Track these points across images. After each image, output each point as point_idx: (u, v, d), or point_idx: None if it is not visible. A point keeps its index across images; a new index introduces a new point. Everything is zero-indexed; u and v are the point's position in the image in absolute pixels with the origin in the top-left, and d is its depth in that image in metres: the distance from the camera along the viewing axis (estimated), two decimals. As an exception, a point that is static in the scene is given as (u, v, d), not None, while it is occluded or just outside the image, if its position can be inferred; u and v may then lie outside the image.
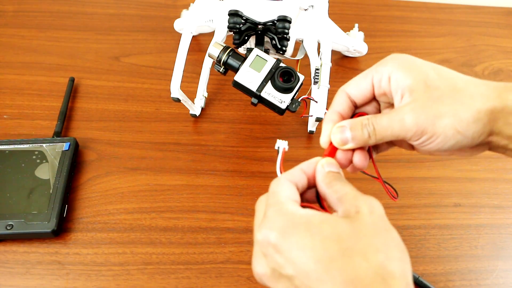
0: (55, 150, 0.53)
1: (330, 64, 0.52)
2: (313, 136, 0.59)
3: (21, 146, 0.53)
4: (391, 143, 0.36)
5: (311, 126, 0.58)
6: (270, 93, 0.47)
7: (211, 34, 0.54)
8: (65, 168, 0.51)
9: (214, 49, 0.49)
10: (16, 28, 0.69)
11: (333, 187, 0.30)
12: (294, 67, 0.49)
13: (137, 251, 0.48)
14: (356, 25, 0.67)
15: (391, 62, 0.33)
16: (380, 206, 0.28)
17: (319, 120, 0.51)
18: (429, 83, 0.31)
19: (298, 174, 0.32)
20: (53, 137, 0.55)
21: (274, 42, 0.51)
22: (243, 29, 0.50)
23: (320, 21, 0.54)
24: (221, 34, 0.53)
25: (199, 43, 0.69)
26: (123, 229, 0.50)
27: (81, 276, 0.46)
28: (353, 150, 0.34)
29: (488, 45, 0.74)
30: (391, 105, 0.34)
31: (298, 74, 0.47)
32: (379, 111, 0.35)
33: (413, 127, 0.30)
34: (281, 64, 0.48)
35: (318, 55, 0.53)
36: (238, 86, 0.48)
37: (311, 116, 0.53)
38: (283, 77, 0.47)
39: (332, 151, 0.34)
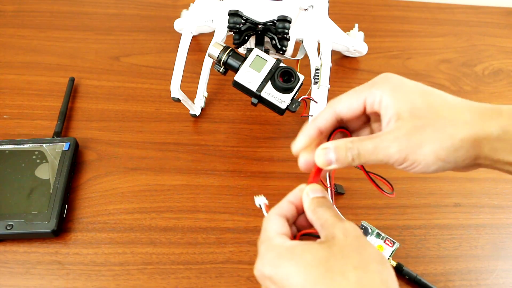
0: (55, 150, 0.53)
1: (330, 64, 0.52)
2: (313, 136, 0.59)
3: (21, 146, 0.53)
4: None
5: (311, 126, 0.58)
6: (270, 93, 0.47)
7: (211, 34, 0.54)
8: (65, 168, 0.51)
9: (214, 49, 0.49)
10: (16, 28, 0.69)
11: (316, 214, 0.33)
12: (294, 67, 0.49)
13: (137, 251, 0.48)
14: (356, 25, 0.67)
15: (383, 85, 0.33)
16: (354, 228, 0.31)
17: (319, 120, 0.51)
18: (415, 112, 0.32)
19: (286, 206, 0.35)
20: (53, 137, 0.55)
21: (274, 42, 0.51)
22: (243, 29, 0.50)
23: (320, 21, 0.54)
24: (221, 34, 0.53)
25: (199, 43, 0.69)
26: (123, 229, 0.50)
27: (81, 276, 0.46)
28: None
29: (488, 45, 0.74)
30: (379, 119, 0.34)
31: (298, 74, 0.47)
32: (364, 124, 0.36)
33: (395, 155, 0.32)
34: (281, 64, 0.48)
35: (318, 55, 0.53)
36: (238, 86, 0.48)
37: (311, 115, 0.53)
38: (283, 77, 0.47)
39: (317, 172, 0.36)
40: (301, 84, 0.47)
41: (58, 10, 0.72)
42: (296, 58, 0.56)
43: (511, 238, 0.51)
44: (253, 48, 0.49)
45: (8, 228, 0.47)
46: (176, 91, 0.52)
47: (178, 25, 0.69)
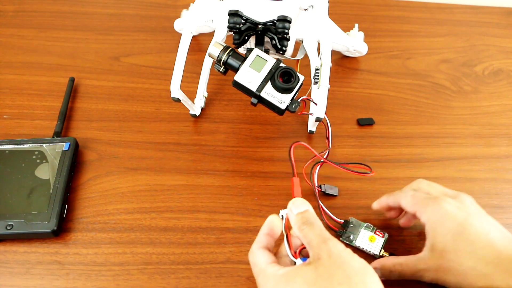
0: (55, 150, 0.53)
1: (330, 64, 0.52)
2: (313, 136, 0.59)
3: (21, 146, 0.53)
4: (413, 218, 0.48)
5: (311, 126, 0.58)
6: (269, 93, 0.47)
7: (211, 34, 0.54)
8: (65, 168, 0.51)
9: (214, 48, 0.49)
10: (16, 28, 0.69)
11: (302, 232, 0.37)
12: (294, 67, 0.49)
13: (137, 251, 0.48)
14: (356, 25, 0.67)
15: (431, 213, 0.42)
16: (337, 246, 0.35)
17: (319, 120, 0.51)
18: (445, 254, 0.40)
19: (264, 239, 0.40)
20: (53, 137, 0.55)
21: (274, 42, 0.51)
22: (243, 29, 0.50)
23: (320, 21, 0.54)
24: (221, 34, 0.53)
25: (199, 43, 0.69)
26: (123, 229, 0.50)
27: (81, 276, 0.46)
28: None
29: (488, 45, 0.74)
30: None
31: (298, 74, 0.47)
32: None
33: (427, 279, 0.42)
34: (281, 64, 0.48)
35: (318, 55, 0.53)
36: (238, 86, 0.48)
37: (311, 114, 0.53)
38: (283, 77, 0.47)
39: (296, 189, 0.42)
40: (301, 84, 0.48)
41: (58, 10, 0.72)
42: (296, 58, 0.56)
43: (511, 238, 0.51)
44: (253, 48, 0.49)
45: (8, 228, 0.47)
46: (176, 91, 0.52)
47: (178, 25, 0.69)
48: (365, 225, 0.48)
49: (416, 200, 0.43)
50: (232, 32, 0.51)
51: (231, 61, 0.48)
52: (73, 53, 0.67)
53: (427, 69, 0.69)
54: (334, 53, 0.67)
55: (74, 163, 0.54)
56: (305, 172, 0.51)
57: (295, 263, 0.38)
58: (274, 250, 0.41)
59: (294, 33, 0.52)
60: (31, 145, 0.53)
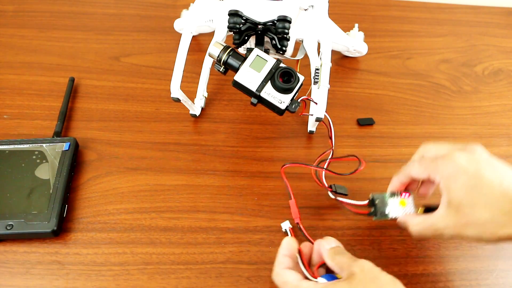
0: (55, 150, 0.53)
1: (330, 64, 0.52)
2: (313, 136, 0.59)
3: (21, 146, 0.53)
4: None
5: (311, 126, 0.58)
6: (269, 93, 0.47)
7: (211, 34, 0.54)
8: (65, 168, 0.51)
9: (215, 48, 0.49)
10: (16, 28, 0.69)
11: (335, 260, 0.41)
12: (294, 67, 0.49)
13: (137, 251, 0.48)
14: (356, 25, 0.67)
15: (442, 170, 0.41)
16: (368, 263, 0.39)
17: (319, 120, 0.51)
18: (461, 210, 0.40)
19: (284, 260, 0.43)
20: (53, 137, 0.55)
21: (274, 42, 0.51)
22: (243, 29, 0.50)
23: (320, 21, 0.54)
24: (221, 34, 0.53)
25: (199, 43, 0.69)
26: (123, 229, 0.50)
27: (81, 276, 0.46)
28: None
29: (488, 45, 0.74)
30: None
31: (298, 74, 0.47)
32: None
33: (447, 236, 0.41)
34: (281, 65, 0.48)
35: (318, 55, 0.53)
36: (238, 86, 0.48)
37: (311, 115, 0.53)
38: (283, 78, 0.47)
39: (293, 210, 0.50)
40: (301, 84, 0.48)
41: (58, 10, 0.72)
42: (296, 58, 0.56)
43: (511, 238, 0.51)
44: (253, 48, 0.49)
45: (8, 228, 0.47)
46: (176, 91, 0.52)
47: (178, 25, 0.69)
48: (388, 195, 0.47)
49: (425, 164, 0.43)
50: (232, 32, 0.51)
51: (231, 61, 0.48)
52: (73, 53, 0.67)
53: (427, 69, 0.69)
54: (334, 53, 0.67)
55: (74, 163, 0.54)
56: (313, 172, 0.50)
57: None
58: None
59: (294, 33, 0.52)
60: (31, 145, 0.53)
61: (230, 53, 0.48)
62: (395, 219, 0.46)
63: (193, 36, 0.55)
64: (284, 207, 0.52)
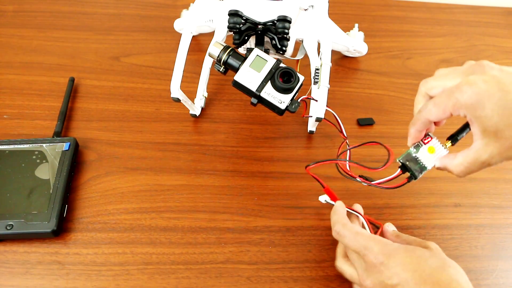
0: (55, 150, 0.53)
1: (330, 64, 0.52)
2: (313, 136, 0.59)
3: (21, 146, 0.53)
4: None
5: (311, 126, 0.58)
6: (269, 93, 0.47)
7: (211, 34, 0.54)
8: (65, 168, 0.51)
9: (215, 48, 0.49)
10: (16, 28, 0.69)
11: (400, 238, 0.46)
12: (294, 67, 0.49)
13: (137, 251, 0.48)
14: (356, 25, 0.67)
15: (463, 102, 0.38)
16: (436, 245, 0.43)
17: (319, 120, 0.51)
18: (500, 135, 0.37)
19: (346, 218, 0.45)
20: (53, 137, 0.55)
21: (274, 42, 0.51)
22: (243, 29, 0.50)
23: (320, 21, 0.54)
24: (221, 34, 0.53)
25: (199, 43, 0.69)
26: (123, 229, 0.50)
27: (81, 276, 0.46)
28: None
29: (488, 45, 0.74)
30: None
31: (298, 74, 0.47)
32: None
33: (496, 164, 0.39)
34: (281, 65, 0.48)
35: (318, 55, 0.53)
36: (238, 86, 0.48)
37: (311, 116, 0.53)
38: (283, 78, 0.47)
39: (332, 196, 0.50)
40: (301, 84, 0.48)
41: (58, 10, 0.72)
42: (296, 58, 0.56)
43: (511, 238, 0.51)
44: (253, 48, 0.49)
45: (8, 228, 0.47)
46: (176, 91, 0.52)
47: (178, 25, 0.69)
48: (412, 150, 0.43)
49: (442, 104, 0.39)
50: (232, 32, 0.51)
51: (231, 61, 0.48)
52: (73, 53, 0.67)
53: (427, 69, 0.69)
54: (334, 53, 0.67)
55: (74, 163, 0.54)
56: (341, 165, 0.48)
57: None
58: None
59: (294, 33, 0.52)
60: (31, 145, 0.53)
61: (230, 53, 0.48)
62: (433, 168, 0.43)
63: (193, 36, 0.55)
64: (284, 207, 0.52)
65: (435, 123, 0.44)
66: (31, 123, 0.58)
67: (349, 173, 0.47)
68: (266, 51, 0.50)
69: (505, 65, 0.40)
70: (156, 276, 0.46)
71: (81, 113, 0.60)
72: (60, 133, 0.56)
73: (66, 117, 0.58)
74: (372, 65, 0.69)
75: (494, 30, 0.77)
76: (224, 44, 0.49)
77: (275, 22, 0.49)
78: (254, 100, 0.48)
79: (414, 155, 0.43)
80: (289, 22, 0.48)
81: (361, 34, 0.67)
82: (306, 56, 0.54)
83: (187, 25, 0.54)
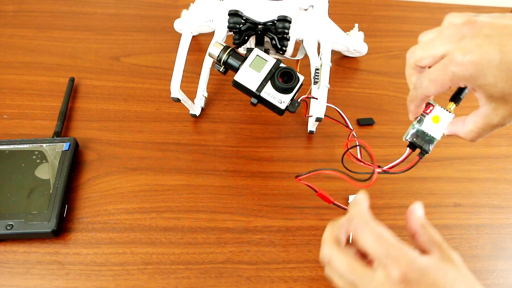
0: (55, 150, 0.53)
1: (330, 64, 0.52)
2: (313, 136, 0.59)
3: (21, 146, 0.53)
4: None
5: (311, 126, 0.58)
6: (269, 93, 0.47)
7: (211, 34, 0.54)
8: (65, 168, 0.51)
9: (215, 48, 0.49)
10: (16, 28, 0.69)
11: (426, 231, 0.36)
12: (294, 67, 0.49)
13: (137, 251, 0.48)
14: (356, 25, 0.67)
15: (463, 72, 0.34)
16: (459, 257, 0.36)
17: (319, 120, 0.51)
18: (509, 98, 0.34)
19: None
20: (53, 137, 0.55)
21: (274, 42, 0.51)
22: (243, 29, 0.50)
23: (320, 21, 0.54)
24: (221, 34, 0.53)
25: (199, 43, 0.69)
26: (123, 229, 0.50)
27: (81, 276, 0.46)
28: None
29: (488, 45, 0.74)
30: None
31: (298, 74, 0.47)
32: None
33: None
34: (281, 65, 0.48)
35: (318, 55, 0.53)
36: (238, 86, 0.48)
37: (311, 116, 0.53)
38: (283, 78, 0.47)
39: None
40: (301, 84, 0.48)
41: (58, 10, 0.72)
42: (296, 58, 0.56)
43: (511, 238, 0.51)
44: (253, 48, 0.49)
45: (8, 228, 0.47)
46: (176, 91, 0.52)
47: (178, 25, 0.69)
48: (416, 124, 0.41)
49: (440, 79, 0.35)
50: (232, 32, 0.51)
51: (231, 61, 0.48)
52: (73, 53, 0.67)
53: (427, 69, 0.69)
54: (334, 53, 0.67)
55: (74, 163, 0.54)
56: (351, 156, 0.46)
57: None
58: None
59: (294, 33, 0.52)
60: (31, 145, 0.53)
61: (230, 53, 0.48)
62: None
63: (193, 36, 0.55)
64: (284, 207, 0.52)
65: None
66: (31, 123, 0.58)
67: (362, 160, 0.45)
68: (266, 51, 0.50)
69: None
70: (156, 276, 0.46)
71: (81, 113, 0.60)
72: (60, 133, 0.56)
73: (66, 117, 0.58)
74: (372, 65, 0.69)
75: (494, 30, 0.77)
76: (224, 44, 0.49)
77: (275, 22, 0.49)
78: (254, 100, 0.48)
79: (420, 128, 0.40)
80: (289, 22, 0.48)
81: (361, 34, 0.67)
82: (306, 56, 0.54)
83: (187, 25, 0.54)
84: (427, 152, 0.40)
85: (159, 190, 0.53)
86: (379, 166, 0.43)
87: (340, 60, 0.70)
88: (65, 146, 0.53)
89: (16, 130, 0.57)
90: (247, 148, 0.57)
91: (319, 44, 0.53)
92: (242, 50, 0.54)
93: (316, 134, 0.59)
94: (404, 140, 0.41)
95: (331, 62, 0.52)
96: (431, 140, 0.40)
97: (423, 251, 0.37)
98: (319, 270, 0.48)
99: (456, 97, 0.40)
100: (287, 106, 0.47)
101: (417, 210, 0.39)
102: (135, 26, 0.71)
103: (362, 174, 0.42)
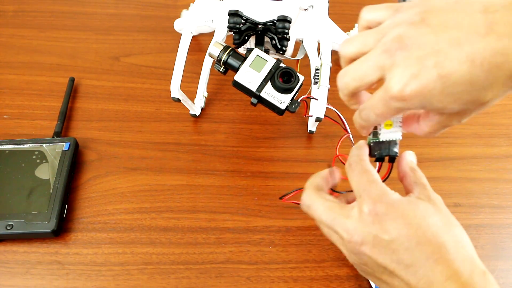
0: (55, 150, 0.53)
1: (330, 64, 0.52)
2: (313, 136, 0.59)
3: (21, 146, 0.53)
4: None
5: (311, 126, 0.58)
6: (269, 93, 0.47)
7: (211, 34, 0.54)
8: (65, 168, 0.51)
9: (215, 48, 0.49)
10: (16, 28, 0.69)
11: (415, 174, 0.38)
12: (294, 67, 0.49)
13: (137, 251, 0.48)
14: (356, 25, 0.67)
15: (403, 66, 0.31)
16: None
17: (319, 120, 0.51)
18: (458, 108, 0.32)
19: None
20: (53, 137, 0.55)
21: (274, 42, 0.51)
22: (243, 29, 0.50)
23: (320, 21, 0.54)
24: (221, 34, 0.53)
25: (199, 43, 0.69)
26: (123, 229, 0.50)
27: (81, 276, 0.46)
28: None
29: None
30: None
31: (298, 74, 0.47)
32: None
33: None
34: (281, 65, 0.48)
35: (318, 55, 0.53)
36: (238, 86, 0.48)
37: (311, 116, 0.53)
38: (283, 78, 0.47)
39: None
40: (301, 84, 0.48)
41: (58, 10, 0.72)
42: (296, 58, 0.56)
43: (511, 238, 0.51)
44: (253, 48, 0.49)
45: (8, 228, 0.47)
46: (176, 91, 0.52)
47: (178, 25, 0.69)
48: (372, 139, 0.39)
49: (383, 114, 0.33)
50: (232, 32, 0.51)
51: (231, 61, 0.48)
52: (73, 53, 0.67)
53: (427, 69, 0.69)
54: (334, 53, 0.67)
55: (74, 163, 0.54)
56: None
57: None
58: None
59: (294, 33, 0.52)
60: (31, 145, 0.53)
61: (230, 53, 0.48)
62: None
63: (193, 36, 0.55)
64: (284, 207, 0.52)
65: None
66: (31, 123, 0.58)
67: (345, 178, 0.43)
68: (266, 51, 0.50)
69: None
70: (156, 276, 0.46)
71: (81, 113, 0.60)
72: (60, 133, 0.56)
73: (66, 117, 0.58)
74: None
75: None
76: (224, 44, 0.49)
77: (275, 22, 0.49)
78: (254, 100, 0.48)
79: (378, 140, 0.38)
80: (289, 22, 0.48)
81: (361, 34, 0.67)
82: (306, 56, 0.54)
83: (187, 25, 0.54)
84: (396, 155, 0.39)
85: (159, 190, 0.53)
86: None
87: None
88: (65, 146, 0.53)
89: (16, 130, 0.57)
90: (247, 148, 0.57)
91: (319, 44, 0.53)
92: (242, 50, 0.54)
93: (316, 134, 0.59)
94: (373, 155, 0.39)
95: (331, 62, 0.52)
96: (393, 144, 0.38)
97: (408, 192, 0.37)
98: (319, 270, 0.48)
99: None
100: (287, 106, 0.47)
101: (409, 156, 0.40)
102: (135, 26, 0.71)
103: (343, 192, 0.42)
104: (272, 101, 0.47)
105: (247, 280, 0.47)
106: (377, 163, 0.39)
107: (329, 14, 0.56)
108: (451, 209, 0.53)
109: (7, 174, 0.51)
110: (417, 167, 0.39)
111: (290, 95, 0.47)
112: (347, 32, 0.66)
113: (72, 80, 0.62)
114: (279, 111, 0.47)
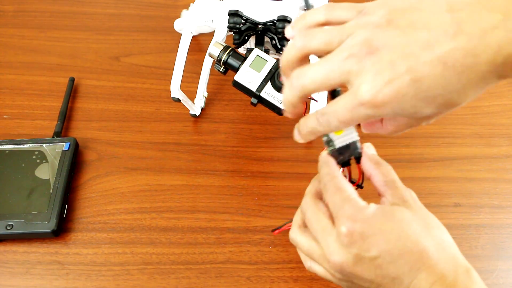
0: (55, 150, 0.53)
1: (330, 64, 0.52)
2: (313, 136, 0.59)
3: (21, 146, 0.53)
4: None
5: (311, 126, 0.58)
6: (269, 93, 0.47)
7: (211, 34, 0.54)
8: (65, 168, 0.51)
9: (215, 48, 0.49)
10: (16, 28, 0.69)
11: (381, 168, 0.36)
12: (294, 67, 0.49)
13: (137, 251, 0.48)
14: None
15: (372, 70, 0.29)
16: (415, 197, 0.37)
17: (319, 120, 0.51)
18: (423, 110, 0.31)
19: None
20: (53, 137, 0.55)
21: (274, 42, 0.51)
22: (243, 29, 0.50)
23: (320, 21, 0.54)
24: (221, 34, 0.53)
25: (199, 43, 0.69)
26: (123, 229, 0.50)
27: (81, 276, 0.46)
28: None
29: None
30: None
31: (298, 74, 0.47)
32: None
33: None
34: (281, 64, 0.48)
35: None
36: (238, 86, 0.48)
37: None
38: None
39: None
40: (301, 84, 0.47)
41: (58, 10, 0.72)
42: (296, 58, 0.56)
43: (511, 238, 0.51)
44: (253, 48, 0.49)
45: (8, 228, 0.47)
46: (176, 91, 0.52)
47: (178, 25, 0.69)
48: (330, 149, 0.37)
49: (352, 119, 0.30)
50: (232, 32, 0.51)
51: (231, 61, 0.48)
52: (73, 53, 0.67)
53: (427, 69, 0.69)
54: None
55: (74, 163, 0.54)
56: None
57: None
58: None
59: (294, 33, 0.52)
60: (31, 145, 0.53)
61: (230, 53, 0.48)
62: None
63: (193, 36, 0.55)
64: (284, 207, 0.52)
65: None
66: (31, 123, 0.58)
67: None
68: (266, 51, 0.50)
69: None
70: (156, 276, 0.46)
71: (81, 113, 0.60)
72: (60, 133, 0.56)
73: (66, 117, 0.58)
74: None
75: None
76: (224, 44, 0.49)
77: (275, 22, 0.49)
78: (254, 100, 0.48)
79: (336, 148, 0.37)
80: (289, 22, 0.49)
81: (361, 34, 0.67)
82: (306, 56, 0.54)
83: (187, 25, 0.54)
84: (359, 155, 0.37)
85: (159, 190, 0.53)
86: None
87: (340, 60, 0.70)
88: (65, 146, 0.53)
89: (16, 130, 0.57)
90: (247, 148, 0.57)
91: (319, 44, 0.53)
92: (242, 50, 0.54)
93: (316, 134, 0.59)
94: (339, 164, 0.37)
95: (331, 62, 0.52)
96: (353, 145, 0.37)
97: (379, 194, 0.36)
98: (319, 270, 0.48)
99: (334, 92, 0.37)
100: (287, 106, 0.47)
101: (369, 149, 0.38)
102: (135, 26, 0.71)
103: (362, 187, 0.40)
104: (272, 101, 0.47)
105: (247, 280, 0.47)
106: (345, 169, 0.38)
107: (329, 14, 0.56)
108: (451, 209, 0.54)
109: (7, 174, 0.51)
110: (381, 160, 0.37)
111: (290, 95, 0.47)
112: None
113: (72, 80, 0.62)
114: (279, 111, 0.47)
